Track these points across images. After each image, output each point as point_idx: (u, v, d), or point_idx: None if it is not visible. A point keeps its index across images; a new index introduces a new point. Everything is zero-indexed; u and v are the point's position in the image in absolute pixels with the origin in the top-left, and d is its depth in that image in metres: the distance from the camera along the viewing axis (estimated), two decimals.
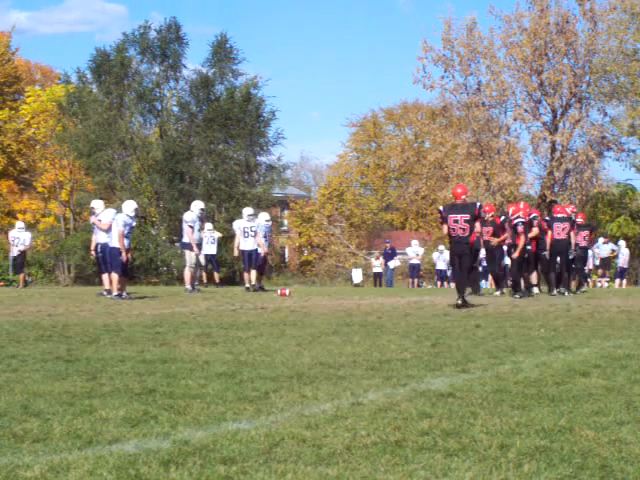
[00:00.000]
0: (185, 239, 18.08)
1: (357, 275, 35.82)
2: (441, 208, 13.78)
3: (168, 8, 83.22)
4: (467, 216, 13.23)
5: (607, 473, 3.61)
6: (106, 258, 16.15)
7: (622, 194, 42.32)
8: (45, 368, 6.37)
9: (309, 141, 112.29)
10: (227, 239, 28.59)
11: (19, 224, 24.07)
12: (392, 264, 32.83)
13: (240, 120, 35.23)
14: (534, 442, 4.06)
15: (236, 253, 19.67)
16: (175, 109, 37.09)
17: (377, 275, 33.23)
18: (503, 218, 18.04)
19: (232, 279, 30.94)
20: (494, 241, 17.76)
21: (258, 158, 36.96)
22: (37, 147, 43.00)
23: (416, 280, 32.20)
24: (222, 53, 35.87)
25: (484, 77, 39.14)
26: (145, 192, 35.39)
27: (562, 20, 38.00)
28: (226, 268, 30.41)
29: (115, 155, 35.43)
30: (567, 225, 17.84)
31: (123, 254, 15.63)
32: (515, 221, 16.88)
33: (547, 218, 18.29)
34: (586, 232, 20.15)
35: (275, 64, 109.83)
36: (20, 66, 48.69)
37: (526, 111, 39.06)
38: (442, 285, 30.65)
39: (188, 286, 18.14)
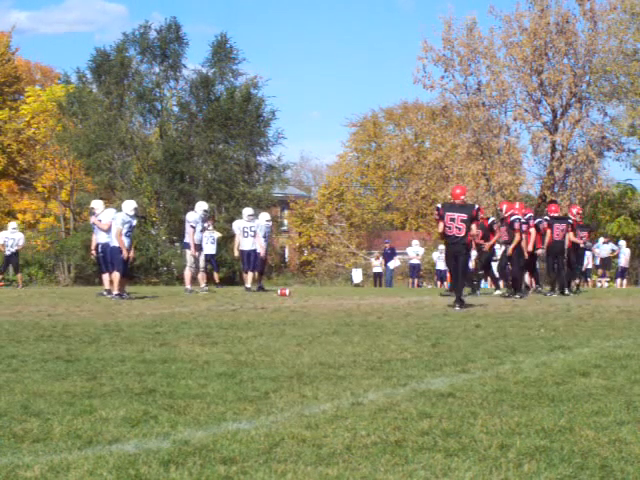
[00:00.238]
0: (186, 239, 18.13)
1: (357, 275, 35.82)
2: (439, 205, 13.78)
3: (168, 8, 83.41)
4: (464, 216, 13.20)
5: (607, 473, 3.61)
6: (107, 258, 16.16)
7: (622, 194, 42.32)
8: (45, 368, 6.37)
9: (309, 141, 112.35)
10: (227, 239, 28.58)
11: (12, 224, 23.92)
12: (392, 264, 32.82)
13: (240, 120, 35.22)
14: (534, 442, 4.06)
15: (236, 253, 19.67)
16: (175, 109, 37.09)
17: (377, 275, 33.22)
18: (491, 220, 17.95)
19: (232, 279, 30.93)
20: (486, 246, 17.63)
21: (258, 158, 36.95)
22: (37, 147, 42.99)
23: (416, 280, 32.19)
24: (222, 53, 35.85)
25: (484, 77, 39.17)
26: (145, 192, 35.35)
27: (562, 20, 38.00)
28: (226, 268, 30.40)
29: (115, 155, 35.41)
30: (564, 226, 17.85)
31: (124, 252, 15.64)
32: (511, 218, 16.85)
33: (547, 218, 18.27)
34: (585, 233, 20.16)
35: (275, 64, 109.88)
36: (20, 66, 48.67)
37: (526, 111, 39.07)
38: (442, 285, 30.65)
39: (188, 286, 18.17)
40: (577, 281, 20.15)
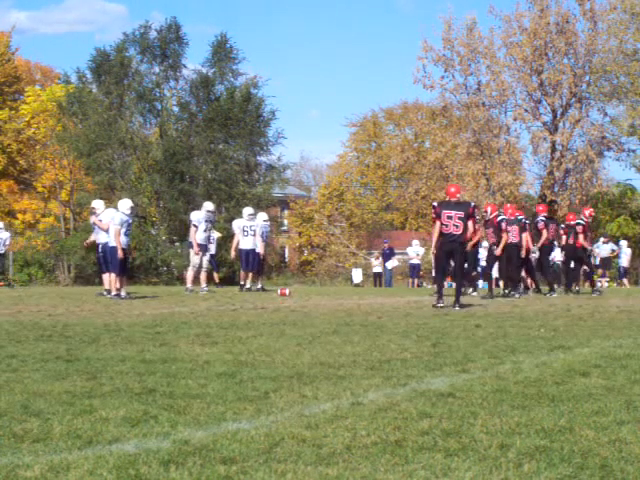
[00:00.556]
0: (190, 238, 18.25)
1: (357, 275, 35.81)
2: (435, 203, 13.68)
3: (168, 8, 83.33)
4: (461, 214, 13.16)
5: (607, 473, 3.61)
6: (107, 258, 16.18)
7: (622, 194, 42.34)
8: (45, 368, 6.37)
9: (309, 141, 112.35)
10: (227, 239, 28.58)
11: None
12: (390, 264, 32.83)
13: (240, 120, 35.21)
14: (534, 442, 4.06)
15: (232, 254, 19.70)
16: (175, 109, 37.09)
17: (377, 275, 33.22)
18: (500, 218, 17.96)
19: (232, 279, 30.92)
20: (468, 245, 17.60)
21: (258, 158, 36.94)
22: (37, 147, 42.99)
23: (416, 280, 32.19)
24: (222, 53, 35.85)
25: (484, 77, 39.20)
26: (145, 192, 35.36)
27: (562, 20, 38.02)
28: (226, 268, 30.39)
29: (115, 155, 35.41)
30: (554, 226, 17.96)
31: (119, 251, 15.64)
32: (498, 219, 16.86)
33: (542, 218, 18.33)
34: None
35: (275, 64, 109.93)
36: (20, 66, 48.69)
37: (526, 111, 39.08)
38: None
39: (189, 285, 18.20)
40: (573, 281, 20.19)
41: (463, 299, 13.88)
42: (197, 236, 18.00)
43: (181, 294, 17.69)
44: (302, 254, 51.76)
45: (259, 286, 19.69)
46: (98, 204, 17.40)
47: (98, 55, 35.67)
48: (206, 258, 18.43)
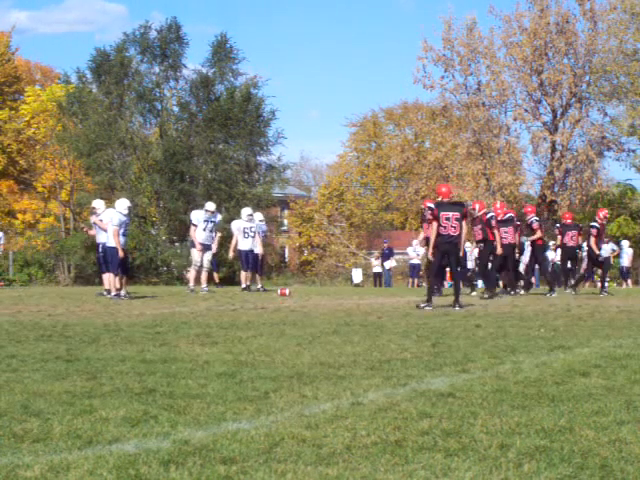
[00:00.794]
0: (190, 237, 18.33)
1: (357, 275, 35.82)
2: (432, 205, 13.41)
3: (168, 8, 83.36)
4: (458, 214, 13.10)
5: (607, 473, 3.61)
6: (107, 258, 16.19)
7: (622, 194, 42.32)
8: (45, 368, 6.37)
9: (309, 141, 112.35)
10: (227, 239, 28.59)
11: None
12: (388, 264, 32.84)
13: (240, 120, 35.21)
14: (534, 442, 4.06)
15: (231, 254, 19.70)
16: (175, 109, 37.08)
17: (377, 275, 33.22)
18: (490, 215, 17.93)
19: (232, 279, 30.92)
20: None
21: (258, 158, 36.94)
22: (37, 147, 42.98)
23: (416, 280, 32.18)
24: (222, 53, 35.84)
25: (484, 77, 39.21)
26: (145, 192, 35.36)
27: (562, 20, 38.03)
28: (226, 268, 30.38)
29: (115, 155, 35.40)
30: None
31: (119, 251, 15.65)
32: (487, 216, 16.78)
33: (536, 218, 18.34)
34: (574, 232, 20.10)
35: (275, 64, 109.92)
36: (20, 66, 48.68)
37: (526, 111, 39.08)
38: (442, 285, 30.62)
39: (191, 284, 18.22)
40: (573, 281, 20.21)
41: (463, 299, 13.89)
42: (197, 235, 18.01)
43: (181, 294, 17.69)
44: (302, 254, 51.76)
45: (259, 286, 19.70)
46: (99, 204, 17.40)
47: (98, 55, 35.66)
48: (207, 258, 18.36)
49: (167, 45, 35.60)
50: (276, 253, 44.55)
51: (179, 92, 36.67)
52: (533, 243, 18.32)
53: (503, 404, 4.98)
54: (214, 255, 23.82)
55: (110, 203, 19.48)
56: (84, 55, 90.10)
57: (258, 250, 19.48)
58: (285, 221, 52.89)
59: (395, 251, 34.34)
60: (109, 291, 16.21)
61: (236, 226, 19.61)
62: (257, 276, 20.00)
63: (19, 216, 44.49)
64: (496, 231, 16.71)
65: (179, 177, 34.85)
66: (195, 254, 18.06)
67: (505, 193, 37.75)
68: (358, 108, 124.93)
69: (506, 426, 4.40)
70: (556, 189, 39.08)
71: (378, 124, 63.64)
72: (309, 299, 16.33)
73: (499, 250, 16.78)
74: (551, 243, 27.01)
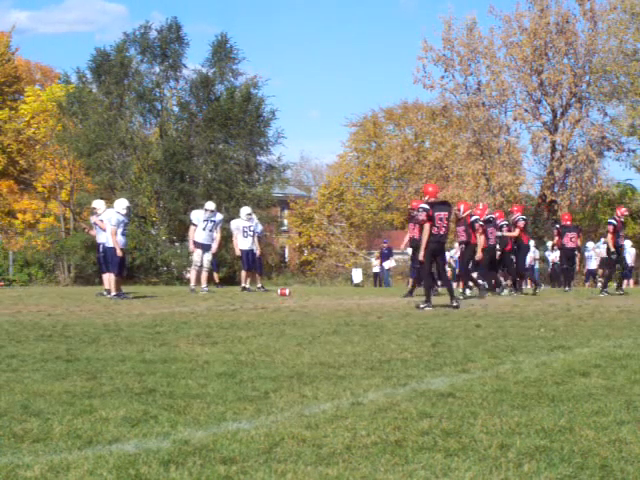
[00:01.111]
0: (189, 237, 18.36)
1: (357, 275, 35.82)
2: (427, 206, 13.03)
3: (168, 8, 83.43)
4: (446, 214, 13.15)
5: (607, 473, 3.61)
6: (107, 258, 16.19)
7: (622, 194, 42.33)
8: (45, 368, 6.37)
9: (309, 141, 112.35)
10: (227, 239, 28.59)
11: None
12: (387, 264, 32.83)
13: (240, 120, 35.21)
14: (534, 442, 4.06)
15: (238, 252, 19.67)
16: (175, 109, 37.08)
17: (377, 275, 33.21)
18: (474, 218, 17.89)
19: (232, 279, 30.93)
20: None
21: (258, 158, 36.94)
22: (37, 147, 42.97)
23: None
24: (222, 53, 35.84)
25: (484, 77, 39.24)
26: (145, 192, 35.36)
27: (562, 20, 38.05)
28: (226, 268, 30.39)
29: (115, 155, 35.40)
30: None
31: (118, 251, 15.65)
32: (471, 219, 16.72)
33: (523, 217, 18.27)
34: (573, 234, 20.07)
35: (275, 64, 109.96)
36: (20, 66, 48.65)
37: (526, 111, 39.10)
38: (437, 284, 30.59)
39: (192, 284, 18.23)
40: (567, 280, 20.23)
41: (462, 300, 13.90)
42: (197, 235, 18.01)
43: (181, 294, 17.69)
44: (302, 254, 51.73)
45: (259, 286, 19.70)
46: (99, 204, 17.40)
47: (98, 55, 35.67)
48: (208, 258, 18.33)
49: (167, 45, 35.60)
50: (276, 253, 44.54)
51: (179, 92, 36.69)
52: (518, 241, 18.02)
53: (503, 404, 4.98)
54: (214, 255, 23.89)
55: (110, 203, 19.47)
56: (84, 55, 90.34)
57: (256, 250, 19.49)
58: (285, 221, 52.88)
59: (393, 251, 34.32)
60: (109, 291, 16.21)
61: (235, 225, 19.61)
62: (257, 276, 20.01)
63: (19, 216, 44.47)
64: (479, 234, 16.63)
65: (179, 177, 34.86)
66: (195, 254, 18.08)
67: (505, 193, 37.77)
68: (358, 108, 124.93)
69: (506, 426, 4.40)
70: (556, 189, 39.10)
71: (378, 124, 63.60)
72: (309, 299, 16.33)
73: (479, 255, 16.64)
74: (549, 244, 27.02)
